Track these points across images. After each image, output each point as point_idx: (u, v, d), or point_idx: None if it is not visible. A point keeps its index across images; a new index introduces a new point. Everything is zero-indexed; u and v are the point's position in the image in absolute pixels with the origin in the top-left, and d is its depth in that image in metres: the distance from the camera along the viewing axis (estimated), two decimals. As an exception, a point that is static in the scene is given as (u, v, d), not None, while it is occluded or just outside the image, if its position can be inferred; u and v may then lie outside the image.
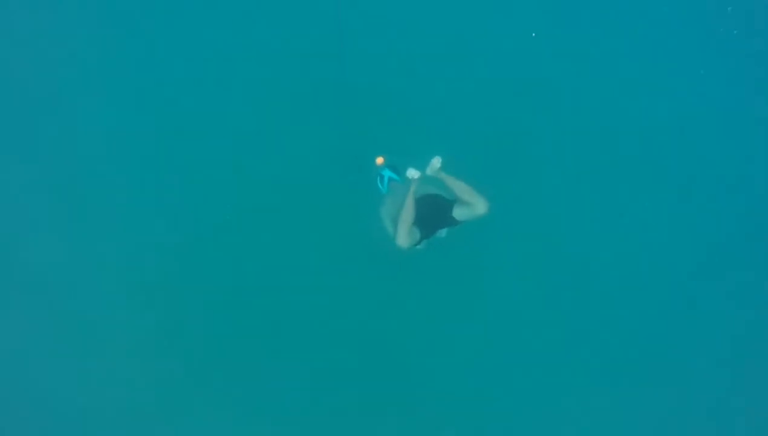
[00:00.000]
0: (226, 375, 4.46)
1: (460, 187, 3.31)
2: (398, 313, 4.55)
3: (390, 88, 4.58)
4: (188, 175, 4.51)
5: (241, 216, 4.49)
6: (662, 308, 4.75)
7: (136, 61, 4.63)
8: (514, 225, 4.46)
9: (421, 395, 4.54)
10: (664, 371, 4.71)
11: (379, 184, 3.90)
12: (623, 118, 4.85)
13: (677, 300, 4.77)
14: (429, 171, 3.33)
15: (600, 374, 4.67)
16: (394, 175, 3.84)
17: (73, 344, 4.42)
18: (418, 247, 3.53)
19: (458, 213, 3.40)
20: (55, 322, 4.42)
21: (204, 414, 4.44)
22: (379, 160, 3.81)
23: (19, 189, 4.49)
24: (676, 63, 4.98)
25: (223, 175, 4.52)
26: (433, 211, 3.43)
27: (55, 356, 4.41)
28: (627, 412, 4.68)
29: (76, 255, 4.46)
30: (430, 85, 4.66)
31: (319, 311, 4.47)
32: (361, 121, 4.44)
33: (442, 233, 3.62)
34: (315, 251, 4.48)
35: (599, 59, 4.84)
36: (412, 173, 3.30)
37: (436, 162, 3.29)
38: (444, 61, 4.69)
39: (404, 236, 3.30)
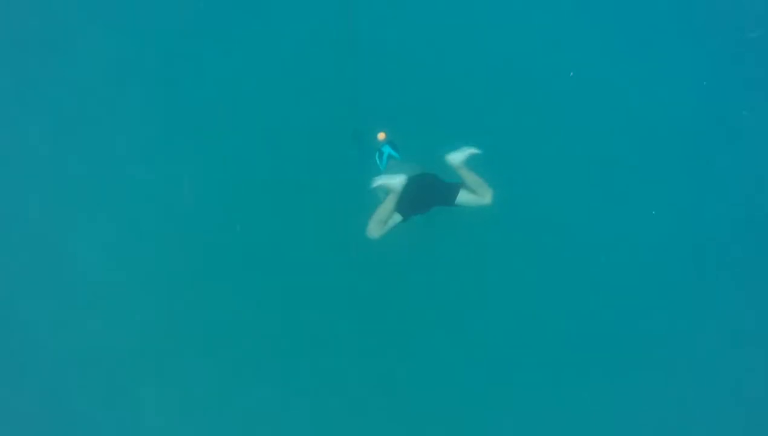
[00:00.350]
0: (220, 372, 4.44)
1: (472, 179, 3.28)
2: (396, 307, 4.54)
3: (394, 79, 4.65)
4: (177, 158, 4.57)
5: (235, 208, 4.53)
6: (661, 304, 4.75)
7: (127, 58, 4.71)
8: (514, 218, 4.47)
9: (418, 394, 4.52)
10: (664, 369, 4.70)
11: (377, 160, 3.81)
12: (626, 115, 4.91)
13: (675, 297, 4.77)
14: (451, 159, 3.22)
15: (599, 373, 4.65)
16: (393, 153, 3.76)
17: (71, 343, 4.40)
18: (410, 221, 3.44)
19: (462, 199, 3.34)
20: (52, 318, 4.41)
21: (202, 413, 4.42)
22: (381, 135, 3.76)
23: (18, 185, 4.53)
24: (677, 62, 5.04)
25: (218, 163, 4.58)
26: (431, 191, 3.35)
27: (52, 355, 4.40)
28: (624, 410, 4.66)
29: (75, 253, 4.48)
30: (432, 77, 4.73)
31: (316, 305, 4.47)
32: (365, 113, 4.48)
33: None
34: (308, 243, 4.49)
35: (607, 56, 4.93)
36: (384, 180, 3.17)
37: (467, 152, 3.18)
38: (447, 56, 4.77)
39: (375, 230, 3.25)
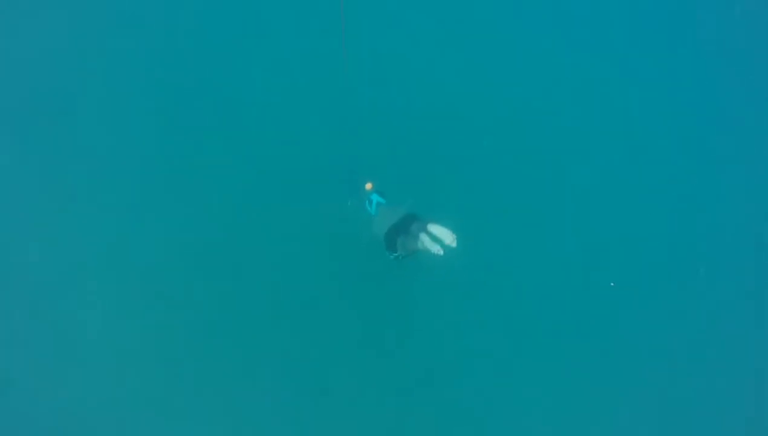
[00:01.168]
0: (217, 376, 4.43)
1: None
2: (396, 307, 4.58)
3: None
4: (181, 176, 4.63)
5: (236, 212, 4.58)
6: (660, 306, 4.77)
7: (131, 61, 4.80)
8: (512, 219, 4.57)
9: (416, 394, 4.51)
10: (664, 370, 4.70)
11: (368, 207, 4.18)
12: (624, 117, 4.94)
13: (673, 299, 4.79)
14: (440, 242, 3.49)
15: (596, 373, 4.65)
16: (381, 199, 4.14)
17: (69, 344, 4.40)
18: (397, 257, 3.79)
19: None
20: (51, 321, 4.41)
21: (201, 415, 4.41)
22: (368, 185, 4.18)
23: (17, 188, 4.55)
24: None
25: (223, 177, 4.63)
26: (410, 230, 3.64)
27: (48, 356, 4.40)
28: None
29: (73, 255, 4.50)
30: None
31: (317, 306, 4.50)
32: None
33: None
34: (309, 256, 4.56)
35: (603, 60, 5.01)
36: None
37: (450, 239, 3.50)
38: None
39: None
